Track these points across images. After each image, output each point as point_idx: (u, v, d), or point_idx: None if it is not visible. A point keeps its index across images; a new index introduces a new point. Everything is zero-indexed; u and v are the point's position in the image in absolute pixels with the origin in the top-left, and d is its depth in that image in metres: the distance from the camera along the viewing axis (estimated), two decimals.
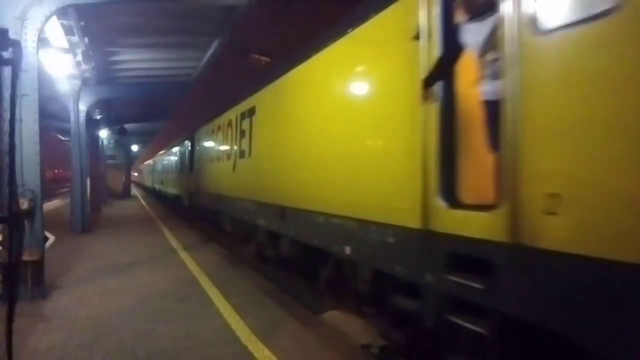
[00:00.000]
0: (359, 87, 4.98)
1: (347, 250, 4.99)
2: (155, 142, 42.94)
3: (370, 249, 4.54)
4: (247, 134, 9.13)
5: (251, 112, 8.89)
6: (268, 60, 12.82)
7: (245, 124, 9.29)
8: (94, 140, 20.73)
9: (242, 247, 11.29)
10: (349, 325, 6.06)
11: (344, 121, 5.20)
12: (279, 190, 7.13)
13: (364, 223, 4.64)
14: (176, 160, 22.90)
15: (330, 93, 5.62)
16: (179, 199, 20.98)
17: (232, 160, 10.30)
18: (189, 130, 18.32)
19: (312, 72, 6.26)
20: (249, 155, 8.93)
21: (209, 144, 13.83)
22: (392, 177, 4.23)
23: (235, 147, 10.03)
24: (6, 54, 3.34)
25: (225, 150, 11.16)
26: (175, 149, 23.46)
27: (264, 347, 4.82)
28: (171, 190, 25.13)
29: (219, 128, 12.17)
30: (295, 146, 6.65)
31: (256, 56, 13.38)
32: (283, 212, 6.86)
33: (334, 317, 6.44)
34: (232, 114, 10.53)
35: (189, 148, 17.78)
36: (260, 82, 8.55)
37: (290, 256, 7.27)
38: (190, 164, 17.18)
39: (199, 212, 15.93)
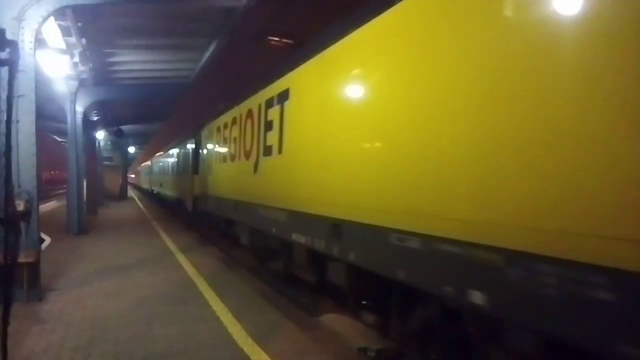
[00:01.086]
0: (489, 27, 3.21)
1: (479, 298, 3.19)
2: (154, 143, 42.71)
3: (542, 305, 2.76)
4: (275, 126, 7.26)
5: (283, 96, 7.03)
6: (290, 42, 11.15)
7: (274, 112, 7.37)
8: (91, 141, 20.69)
9: (238, 251, 11.25)
10: (346, 328, 6.06)
11: (473, 87, 3.34)
12: (330, 196, 5.32)
13: (523, 258, 2.85)
14: (178, 161, 21.60)
15: (445, 45, 3.66)
16: (181, 203, 19.62)
17: (252, 158, 8.38)
18: (193, 129, 17.06)
19: (408, 20, 4.17)
20: (279, 151, 7.07)
21: (219, 141, 11.74)
22: (603, 178, 2.46)
23: (258, 143, 8.12)
24: (3, 55, 3.34)
25: (243, 147, 9.16)
26: (177, 149, 22.14)
27: (260, 350, 4.81)
28: (172, 193, 23.70)
29: (233, 122, 10.18)
30: (364, 134, 4.74)
31: (276, 38, 11.20)
32: (337, 228, 5.09)
33: (331, 319, 6.43)
34: (253, 102, 8.57)
35: (193, 147, 16.58)
36: (298, 57, 6.67)
37: (347, 287, 5.47)
38: (195, 165, 15.84)
39: (205, 219, 14.17)
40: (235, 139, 9.93)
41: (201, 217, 14.93)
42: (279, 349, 4.88)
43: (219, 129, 11.82)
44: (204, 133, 14.13)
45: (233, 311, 6.18)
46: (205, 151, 13.93)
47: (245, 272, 9.13)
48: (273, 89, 7.51)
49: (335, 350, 5.08)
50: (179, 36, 11.96)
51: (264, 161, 7.81)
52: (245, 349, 4.85)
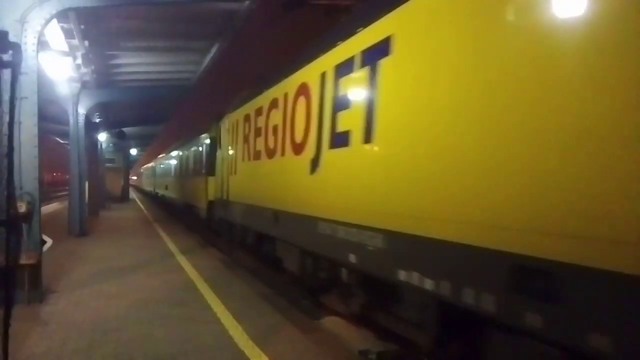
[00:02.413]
0: None
1: None
2: (159, 142, 42.33)
3: None
4: (357, 101, 4.89)
5: (375, 53, 4.57)
6: (342, 4, 8.37)
7: (354, 81, 4.98)
8: (93, 143, 20.74)
9: (240, 253, 11.22)
10: (347, 331, 6.04)
11: None
12: (512, 214, 2.97)
13: None
14: (187, 161, 19.39)
15: None
16: (191, 208, 17.48)
17: (307, 152, 6.07)
18: (208, 123, 14.93)
19: None
20: (365, 140, 4.66)
21: (247, 133, 9.20)
22: None
23: (319, 130, 5.75)
24: (6, 57, 3.34)
25: (289, 137, 6.77)
26: (186, 148, 19.85)
27: (261, 353, 4.80)
28: (179, 197, 21.43)
29: (272, 105, 7.63)
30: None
31: (321, 2, 8.70)
32: (532, 275, 2.82)
33: (332, 322, 6.42)
34: (310, 73, 6.20)
35: (208, 144, 14.61)
36: None
37: None
38: (210, 165, 13.62)
39: (225, 230, 11.68)
40: (274, 127, 7.45)
41: (218, 227, 12.46)
42: (279, 351, 4.87)
43: (247, 118, 9.27)
44: (225, 125, 11.51)
45: (234, 313, 6.17)
46: (225, 148, 11.40)
47: (246, 275, 9.12)
48: (352, 46, 5.05)
49: (336, 353, 5.07)
50: (181, 38, 12.02)
51: (331, 155, 5.45)
52: (246, 351, 4.85)
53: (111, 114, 21.87)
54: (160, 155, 35.34)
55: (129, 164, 45.36)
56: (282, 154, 7.08)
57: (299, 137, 6.43)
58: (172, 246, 12.49)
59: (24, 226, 6.43)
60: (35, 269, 6.61)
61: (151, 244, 13.00)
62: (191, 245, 12.97)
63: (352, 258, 4.87)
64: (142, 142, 39.69)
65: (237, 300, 6.90)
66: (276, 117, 7.42)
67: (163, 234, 15.27)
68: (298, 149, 6.44)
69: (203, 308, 6.47)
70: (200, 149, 16.18)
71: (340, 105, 5.26)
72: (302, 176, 6.24)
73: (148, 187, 44.92)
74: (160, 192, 31.90)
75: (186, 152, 20.10)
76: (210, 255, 11.26)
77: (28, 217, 6.45)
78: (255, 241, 9.16)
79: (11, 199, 3.46)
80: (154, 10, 10.00)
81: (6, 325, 3.29)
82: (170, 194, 25.58)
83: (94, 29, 10.53)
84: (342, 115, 5.22)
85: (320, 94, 5.81)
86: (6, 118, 3.32)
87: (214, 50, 12.50)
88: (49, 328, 5.54)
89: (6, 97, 3.29)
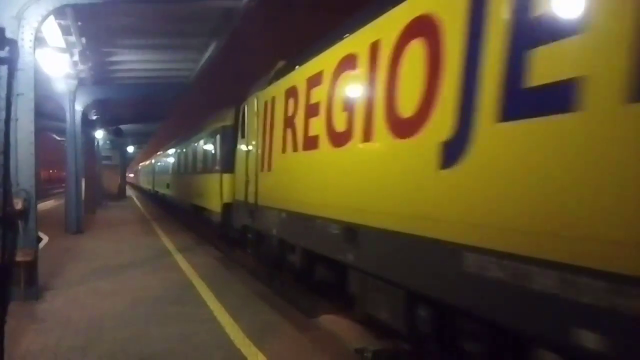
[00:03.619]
0: None
1: None
2: (159, 137, 41.30)
3: None
4: (604, 19, 2.44)
5: None
6: None
7: None
8: (90, 140, 20.68)
9: (237, 252, 11.19)
10: (343, 330, 6.06)
11: None
12: None
13: None
14: (194, 156, 17.04)
15: None
16: (199, 211, 15.32)
17: (433, 134, 3.78)
18: (224, 109, 13.03)
19: None
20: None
21: (292, 114, 6.94)
22: None
23: (466, 92, 3.42)
24: (3, 53, 3.33)
25: (388, 112, 4.46)
26: (194, 141, 17.32)
27: (258, 351, 4.80)
28: (184, 197, 19.20)
29: (344, 65, 5.38)
30: None
31: None
32: None
33: (328, 321, 6.43)
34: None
35: (223, 135, 12.42)
36: None
37: None
38: (226, 159, 11.72)
39: (253, 242, 9.63)
40: (348, 100, 5.26)
41: (240, 237, 10.77)
42: (276, 349, 4.87)
43: (291, 92, 7.03)
44: (252, 108, 9.36)
45: (230, 312, 6.17)
46: (252, 137, 9.28)
47: (243, 273, 9.12)
48: None
49: (333, 351, 5.07)
50: (178, 36, 11.98)
51: (502, 133, 3.09)
52: (242, 349, 4.85)
53: (108, 111, 21.80)
54: (160, 151, 34.57)
55: (126, 161, 45.22)
56: (366, 138, 4.83)
57: (408, 109, 4.13)
58: (169, 244, 12.47)
59: (20, 223, 6.41)
60: (31, 266, 6.59)
61: (148, 241, 12.97)
62: (188, 243, 12.95)
63: (590, 340, 2.42)
64: (139, 139, 39.54)
65: (233, 298, 6.89)
66: (352, 84, 5.20)
67: (160, 232, 15.25)
68: (406, 128, 4.16)
69: (200, 306, 6.47)
70: (214, 141, 13.73)
71: (539, 34, 2.83)
72: (417, 172, 4.00)
73: (146, 185, 44.05)
74: (161, 190, 29.58)
75: (193, 146, 17.42)
76: (208, 254, 11.25)
77: (24, 214, 6.43)
78: (304, 262, 6.86)
79: (8, 195, 3.45)
80: (151, 7, 9.96)
81: (2, 323, 3.28)
82: (172, 193, 23.08)
83: (92, 25, 10.49)
84: (546, 52, 2.78)
85: (470, 25, 3.43)
86: (3, 115, 3.31)
87: (211, 47, 12.47)
88: (45, 325, 5.53)
89: (3, 93, 3.28)
